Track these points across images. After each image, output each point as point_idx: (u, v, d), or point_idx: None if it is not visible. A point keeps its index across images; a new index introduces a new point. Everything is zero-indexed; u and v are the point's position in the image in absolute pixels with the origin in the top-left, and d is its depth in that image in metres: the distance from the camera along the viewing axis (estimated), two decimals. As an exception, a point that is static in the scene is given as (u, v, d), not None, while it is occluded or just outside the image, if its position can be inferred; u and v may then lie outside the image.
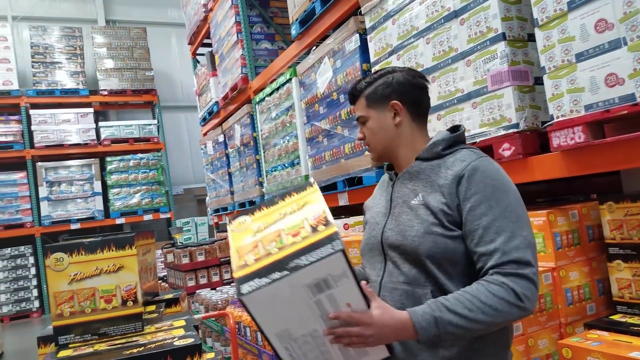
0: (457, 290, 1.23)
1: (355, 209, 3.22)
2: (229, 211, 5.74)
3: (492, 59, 2.03)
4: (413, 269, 1.32)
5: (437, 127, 2.35)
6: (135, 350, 1.39)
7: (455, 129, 1.48)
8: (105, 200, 10.66)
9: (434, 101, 2.35)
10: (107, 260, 1.65)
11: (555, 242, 2.18)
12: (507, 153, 1.98)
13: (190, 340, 1.42)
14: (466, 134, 2.18)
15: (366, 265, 1.52)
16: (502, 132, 1.99)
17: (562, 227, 2.21)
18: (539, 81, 1.99)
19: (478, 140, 2.11)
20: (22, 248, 10.00)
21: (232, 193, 5.56)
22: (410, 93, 1.45)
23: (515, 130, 1.94)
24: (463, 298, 1.19)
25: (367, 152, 1.48)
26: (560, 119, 1.77)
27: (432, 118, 2.38)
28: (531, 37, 2.01)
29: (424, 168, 1.40)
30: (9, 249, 10.04)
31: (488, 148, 2.08)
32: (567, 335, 2.11)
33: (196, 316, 2.73)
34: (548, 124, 1.84)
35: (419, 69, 2.42)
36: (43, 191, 10.14)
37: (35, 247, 10.08)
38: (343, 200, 3.32)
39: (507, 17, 2.01)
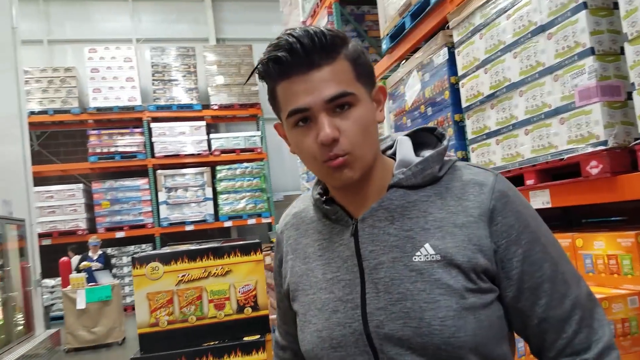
0: None
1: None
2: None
3: (580, 74, 1.97)
4: None
5: (524, 142, 2.30)
6: (212, 343, 1.54)
7: (414, 133, 0.98)
8: (215, 205, 11.45)
9: (521, 115, 2.32)
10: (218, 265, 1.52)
11: (651, 265, 2.05)
12: (594, 171, 1.91)
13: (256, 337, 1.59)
14: (553, 150, 2.14)
15: None
16: (590, 150, 1.93)
17: (656, 249, 2.08)
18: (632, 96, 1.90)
19: (565, 157, 2.06)
20: (143, 246, 11.07)
21: (328, 202, 5.74)
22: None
23: (603, 147, 1.87)
24: None
25: (329, 165, 0.84)
26: (652, 136, 1.69)
27: (519, 133, 2.34)
28: (624, 51, 1.92)
29: (413, 200, 0.88)
30: (133, 246, 11.18)
31: (575, 165, 2.02)
32: (662, 364, 1.98)
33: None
34: (638, 141, 1.76)
35: (507, 83, 2.40)
36: (162, 196, 11.17)
37: (155, 246, 11.09)
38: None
39: (596, 31, 1.94)
